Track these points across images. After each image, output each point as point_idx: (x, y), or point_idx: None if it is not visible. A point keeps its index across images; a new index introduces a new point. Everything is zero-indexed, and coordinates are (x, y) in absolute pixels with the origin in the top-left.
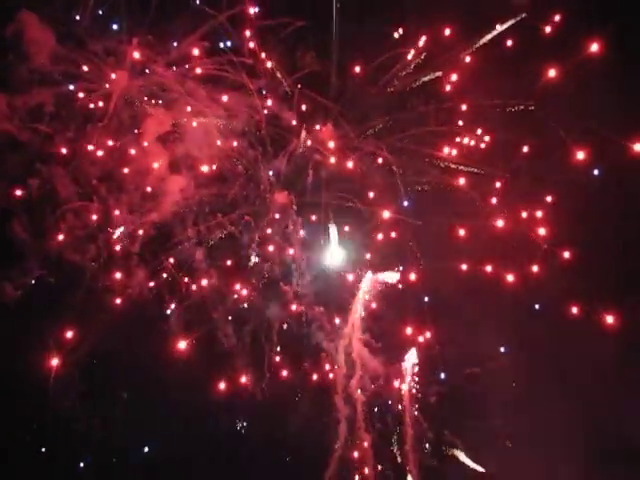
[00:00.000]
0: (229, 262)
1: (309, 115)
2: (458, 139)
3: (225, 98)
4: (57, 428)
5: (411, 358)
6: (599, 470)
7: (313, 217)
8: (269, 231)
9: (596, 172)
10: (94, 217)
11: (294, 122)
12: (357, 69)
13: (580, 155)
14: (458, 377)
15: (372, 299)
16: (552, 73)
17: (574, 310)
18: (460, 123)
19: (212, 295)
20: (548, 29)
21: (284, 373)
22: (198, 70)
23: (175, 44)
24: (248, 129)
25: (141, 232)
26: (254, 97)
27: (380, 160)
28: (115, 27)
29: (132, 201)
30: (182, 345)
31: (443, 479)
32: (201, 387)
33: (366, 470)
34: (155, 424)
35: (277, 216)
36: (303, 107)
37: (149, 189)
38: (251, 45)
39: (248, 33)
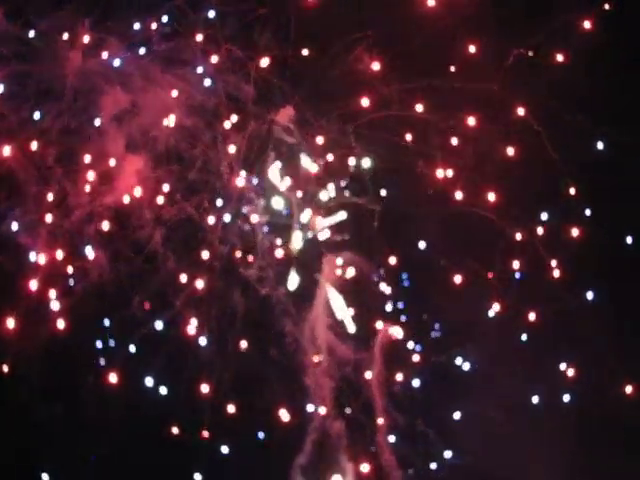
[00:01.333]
0: (188, 247)
1: (268, 97)
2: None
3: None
4: None
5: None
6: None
7: (274, 201)
8: (229, 215)
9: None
10: (50, 200)
11: (251, 103)
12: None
13: None
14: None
15: (339, 282)
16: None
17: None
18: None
19: (172, 281)
20: None
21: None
22: (154, 49)
23: (132, 26)
24: (205, 108)
25: (98, 216)
26: (211, 75)
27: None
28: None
29: (88, 183)
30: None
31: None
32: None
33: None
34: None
35: (238, 200)
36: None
37: (106, 170)
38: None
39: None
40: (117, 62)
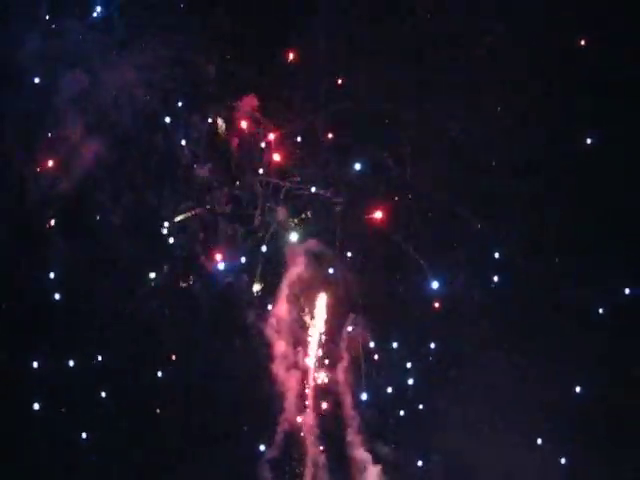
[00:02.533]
0: (146, 237)
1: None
2: None
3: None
4: None
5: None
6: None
7: (237, 192)
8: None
9: None
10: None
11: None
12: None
13: None
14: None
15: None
16: None
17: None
18: None
19: (131, 272)
20: None
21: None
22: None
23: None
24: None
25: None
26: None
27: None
28: None
29: (47, 168)
30: None
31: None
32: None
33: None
34: None
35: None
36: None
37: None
38: None
39: None
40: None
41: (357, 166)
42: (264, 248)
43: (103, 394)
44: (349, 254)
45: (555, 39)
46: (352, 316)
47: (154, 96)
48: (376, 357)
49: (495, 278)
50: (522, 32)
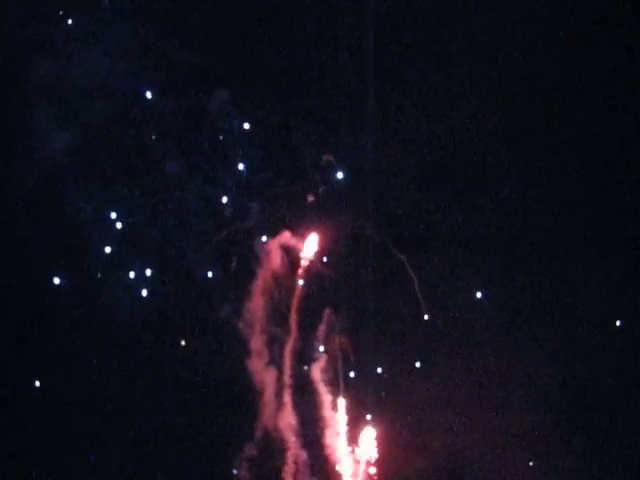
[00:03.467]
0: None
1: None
2: None
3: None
4: None
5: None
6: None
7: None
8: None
9: None
10: None
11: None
12: None
13: None
14: None
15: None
16: None
17: None
18: None
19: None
20: None
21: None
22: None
23: None
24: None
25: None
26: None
27: None
28: None
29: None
30: None
31: None
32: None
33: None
34: None
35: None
36: None
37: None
38: None
39: None
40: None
41: (330, 159)
42: (236, 243)
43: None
44: (323, 248)
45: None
46: (328, 312)
47: (124, 87)
48: (352, 353)
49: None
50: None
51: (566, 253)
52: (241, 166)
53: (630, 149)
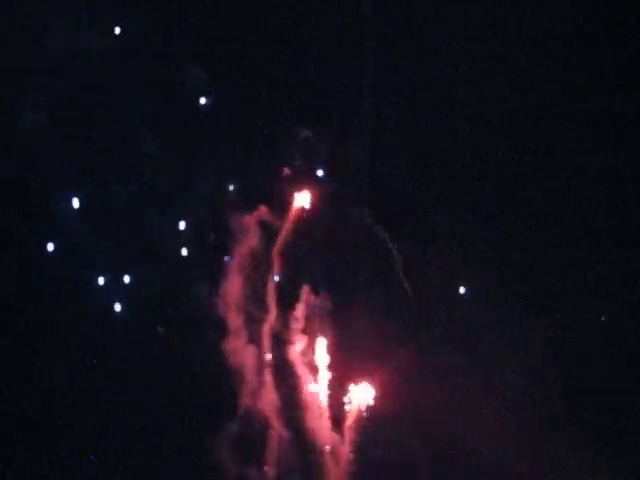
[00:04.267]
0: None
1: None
2: None
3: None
4: None
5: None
6: None
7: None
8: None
9: None
10: None
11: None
12: None
13: None
14: None
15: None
16: None
17: None
18: None
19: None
20: None
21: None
22: None
23: None
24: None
25: None
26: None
27: None
28: None
29: None
30: None
31: None
32: None
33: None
34: None
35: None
36: None
37: None
38: None
39: None
40: None
41: (308, 134)
42: (214, 219)
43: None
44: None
45: None
46: (307, 289)
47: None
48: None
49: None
50: None
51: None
52: (215, 141)
53: (612, 146)
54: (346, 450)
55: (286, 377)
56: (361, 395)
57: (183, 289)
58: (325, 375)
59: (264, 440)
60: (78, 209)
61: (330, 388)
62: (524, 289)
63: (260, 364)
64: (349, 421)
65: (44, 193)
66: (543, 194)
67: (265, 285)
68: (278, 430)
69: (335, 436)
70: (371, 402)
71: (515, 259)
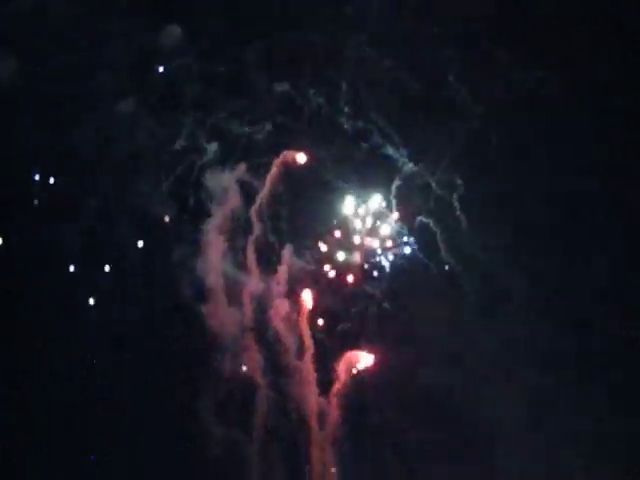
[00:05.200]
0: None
1: None
2: None
3: None
4: None
5: None
6: None
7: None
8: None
9: None
10: None
11: None
12: None
13: None
14: None
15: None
16: None
17: None
18: None
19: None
20: None
21: None
22: None
23: None
24: None
25: None
26: None
27: None
28: None
29: None
30: None
31: None
32: None
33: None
34: None
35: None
36: None
37: None
38: None
39: None
40: None
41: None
42: (192, 180)
43: None
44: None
45: None
46: (289, 248)
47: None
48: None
49: None
50: None
51: None
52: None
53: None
54: (333, 416)
55: (269, 343)
56: (350, 361)
57: (163, 251)
58: (310, 341)
59: (249, 404)
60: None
61: (315, 355)
62: None
63: (241, 328)
64: (336, 387)
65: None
66: None
67: (245, 247)
68: (262, 395)
69: (322, 401)
70: (359, 368)
71: None
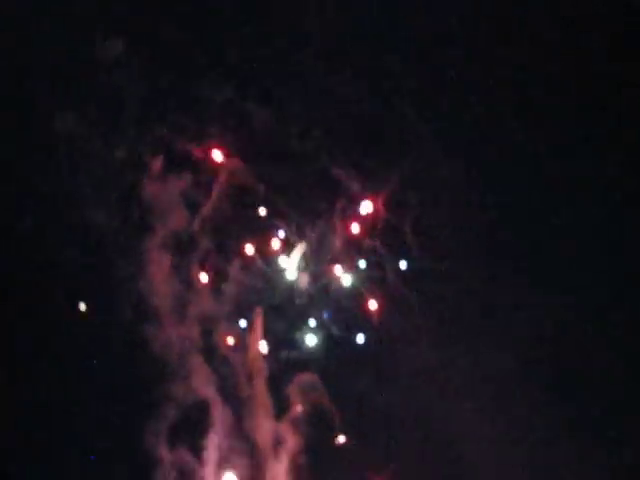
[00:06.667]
0: None
1: None
2: None
3: None
4: None
5: None
6: None
7: None
8: None
9: None
10: None
11: None
12: None
13: None
14: None
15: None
16: None
17: None
18: None
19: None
20: None
21: None
22: None
23: None
24: None
25: None
26: None
27: None
28: None
29: None
30: None
31: None
32: None
33: None
34: None
35: None
36: None
37: None
38: None
39: None
40: None
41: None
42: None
43: None
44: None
45: None
46: (236, 264)
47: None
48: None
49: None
50: None
51: None
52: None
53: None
54: (290, 444)
55: (218, 365)
56: (303, 387)
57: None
58: (262, 364)
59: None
60: None
61: (269, 377)
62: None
63: (188, 350)
64: (292, 413)
65: None
66: None
67: (190, 263)
68: (215, 418)
69: (277, 428)
70: (316, 395)
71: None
